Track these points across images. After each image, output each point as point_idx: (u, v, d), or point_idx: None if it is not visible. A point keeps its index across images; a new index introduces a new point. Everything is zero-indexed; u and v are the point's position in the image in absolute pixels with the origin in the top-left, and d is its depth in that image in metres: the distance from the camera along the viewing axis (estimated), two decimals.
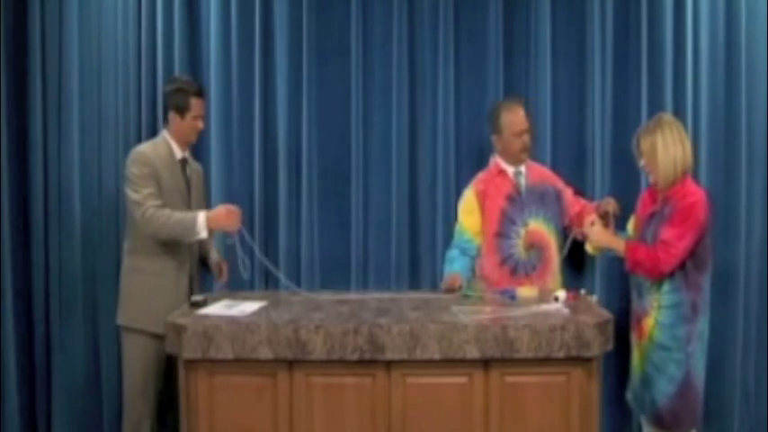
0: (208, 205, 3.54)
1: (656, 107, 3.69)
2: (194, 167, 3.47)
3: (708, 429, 3.74)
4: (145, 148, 3.34)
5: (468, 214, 3.51)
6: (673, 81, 3.74)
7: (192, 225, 3.14)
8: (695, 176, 3.70)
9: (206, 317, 2.85)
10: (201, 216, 3.15)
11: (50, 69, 3.81)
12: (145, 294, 3.25)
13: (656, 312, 3.10)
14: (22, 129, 3.81)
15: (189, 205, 3.34)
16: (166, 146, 3.34)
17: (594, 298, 3.25)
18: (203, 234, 3.16)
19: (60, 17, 3.80)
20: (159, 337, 3.07)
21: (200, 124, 3.37)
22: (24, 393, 3.81)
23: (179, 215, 3.17)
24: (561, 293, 3.09)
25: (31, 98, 3.80)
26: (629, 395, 3.31)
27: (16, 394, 3.76)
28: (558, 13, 3.81)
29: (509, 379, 2.72)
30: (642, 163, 3.15)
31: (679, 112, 3.72)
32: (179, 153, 3.36)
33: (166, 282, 3.25)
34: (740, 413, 3.76)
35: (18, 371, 3.77)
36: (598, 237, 3.19)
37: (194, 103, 3.32)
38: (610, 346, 2.84)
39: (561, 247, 3.52)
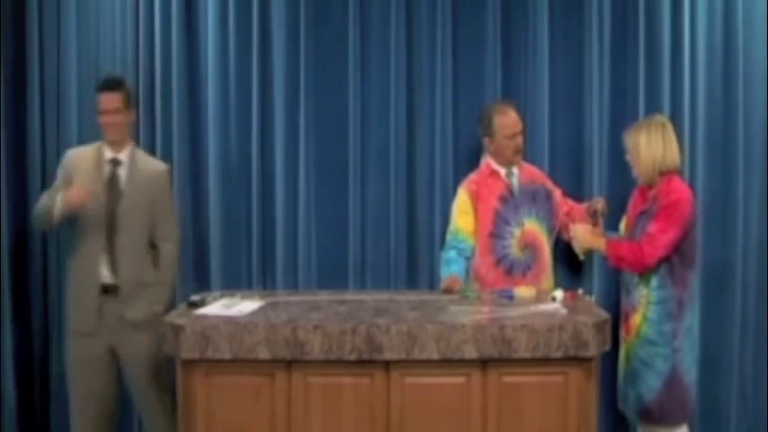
0: (163, 207, 3.42)
1: (653, 107, 3.70)
2: (139, 168, 3.37)
3: (705, 429, 3.74)
4: (74, 149, 3.45)
5: (464, 214, 3.50)
6: (670, 81, 3.75)
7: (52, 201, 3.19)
8: (692, 174, 3.74)
9: (204, 317, 2.85)
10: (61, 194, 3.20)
11: (48, 70, 3.81)
12: (70, 293, 3.34)
13: (644, 308, 3.16)
14: (21, 129, 3.80)
15: (108, 205, 3.28)
16: (96, 147, 3.38)
17: (592, 298, 3.26)
18: (58, 203, 3.16)
19: (58, 18, 3.80)
20: (80, 336, 3.25)
21: (104, 118, 3.31)
22: (22, 396, 3.80)
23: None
24: (559, 293, 3.09)
25: (30, 98, 3.79)
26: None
27: (14, 397, 3.74)
28: (555, 14, 3.81)
29: (507, 379, 2.72)
30: (628, 158, 3.26)
31: (676, 112, 3.73)
32: (109, 153, 3.36)
33: (82, 276, 3.29)
34: (737, 412, 3.77)
35: (16, 373, 3.76)
36: (582, 239, 3.29)
37: (96, 97, 3.33)
38: (607, 346, 2.85)
39: (553, 247, 3.55)
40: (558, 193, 3.64)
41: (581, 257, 3.40)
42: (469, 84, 3.84)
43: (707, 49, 3.77)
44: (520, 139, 3.51)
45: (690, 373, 3.17)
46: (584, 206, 3.58)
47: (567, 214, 3.57)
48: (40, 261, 3.82)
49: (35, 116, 3.79)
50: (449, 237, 3.54)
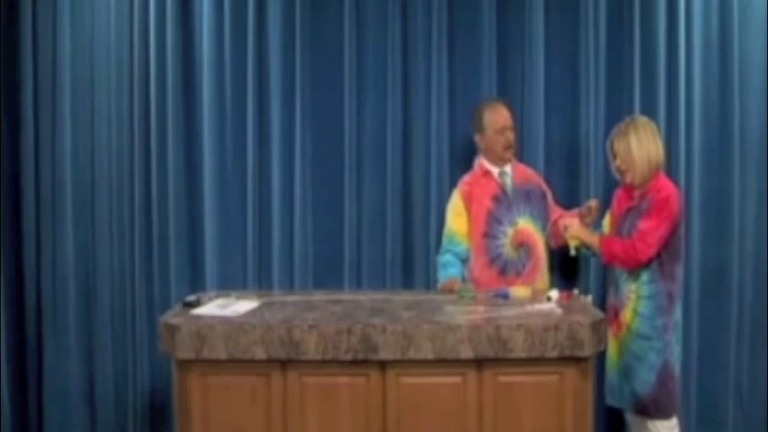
0: None
1: (649, 106, 3.70)
2: None
3: (702, 430, 3.75)
4: None
5: (458, 216, 3.51)
6: (666, 80, 3.75)
7: None
8: (689, 173, 3.75)
9: (199, 317, 2.85)
10: None
11: (42, 65, 3.78)
12: None
13: (633, 303, 3.20)
14: (15, 126, 3.79)
15: None
16: None
17: (588, 298, 3.26)
18: None
19: (54, 13, 3.78)
20: None
21: None
22: (16, 401, 3.78)
23: None
24: (554, 293, 3.10)
25: (23, 95, 3.77)
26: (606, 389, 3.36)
27: (8, 402, 3.72)
28: (551, 11, 3.81)
29: (502, 379, 2.73)
30: (617, 163, 3.27)
31: (672, 110, 3.74)
32: None
33: None
34: (734, 414, 3.77)
35: (10, 377, 3.74)
36: (576, 233, 3.28)
37: None
38: (603, 346, 2.86)
39: (548, 247, 3.55)
40: (550, 197, 3.64)
41: (572, 252, 3.38)
42: (465, 82, 3.83)
43: (703, 47, 3.77)
44: (510, 135, 3.51)
45: (677, 365, 3.23)
46: (574, 212, 3.55)
47: (555, 222, 3.54)
48: (34, 261, 3.81)
49: (29, 112, 3.77)
50: (444, 240, 3.54)
